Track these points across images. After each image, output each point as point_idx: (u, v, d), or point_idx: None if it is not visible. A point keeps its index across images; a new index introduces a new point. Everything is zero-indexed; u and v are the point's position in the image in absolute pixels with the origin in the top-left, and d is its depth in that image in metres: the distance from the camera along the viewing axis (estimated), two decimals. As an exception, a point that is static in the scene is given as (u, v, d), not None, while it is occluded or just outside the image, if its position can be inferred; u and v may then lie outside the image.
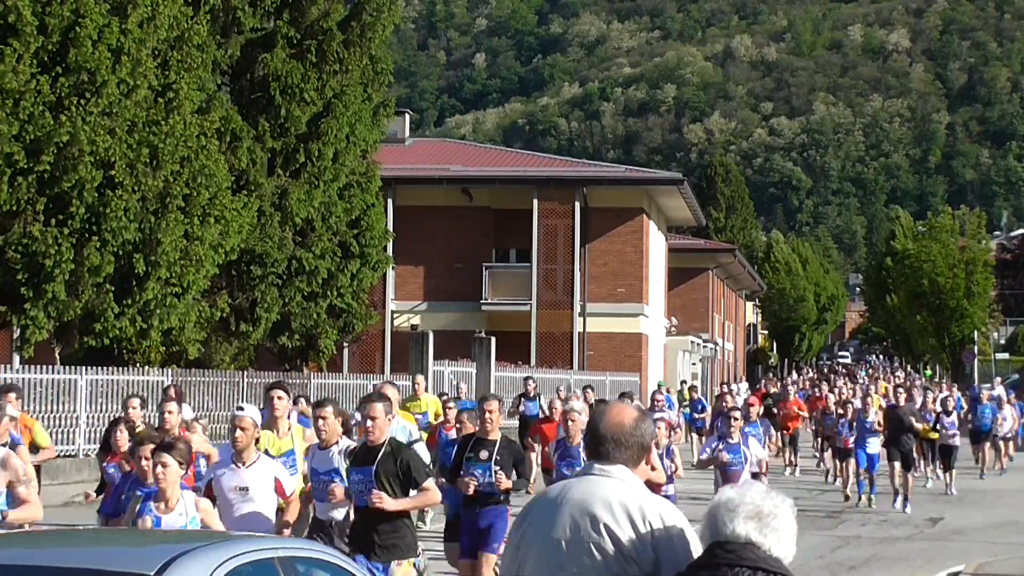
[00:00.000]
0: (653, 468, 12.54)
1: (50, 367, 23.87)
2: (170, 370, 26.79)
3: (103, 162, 22.80)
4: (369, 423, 10.06)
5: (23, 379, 22.94)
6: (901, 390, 25.45)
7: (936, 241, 73.38)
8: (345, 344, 36.33)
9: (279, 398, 12.07)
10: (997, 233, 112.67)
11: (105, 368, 24.84)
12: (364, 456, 10.05)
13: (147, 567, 5.55)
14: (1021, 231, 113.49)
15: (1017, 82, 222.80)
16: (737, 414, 16.09)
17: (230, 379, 28.29)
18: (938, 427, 27.47)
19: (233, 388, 28.22)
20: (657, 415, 21.75)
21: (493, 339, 36.05)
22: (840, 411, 26.61)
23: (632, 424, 4.64)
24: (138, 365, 26.44)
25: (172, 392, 16.63)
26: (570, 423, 13.55)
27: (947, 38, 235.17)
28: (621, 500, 4.46)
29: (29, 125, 21.72)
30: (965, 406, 35.12)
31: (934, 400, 30.18)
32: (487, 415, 12.41)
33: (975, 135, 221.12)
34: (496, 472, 12.05)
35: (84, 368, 24.37)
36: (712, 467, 15.92)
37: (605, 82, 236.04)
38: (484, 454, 12.16)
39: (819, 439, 32.51)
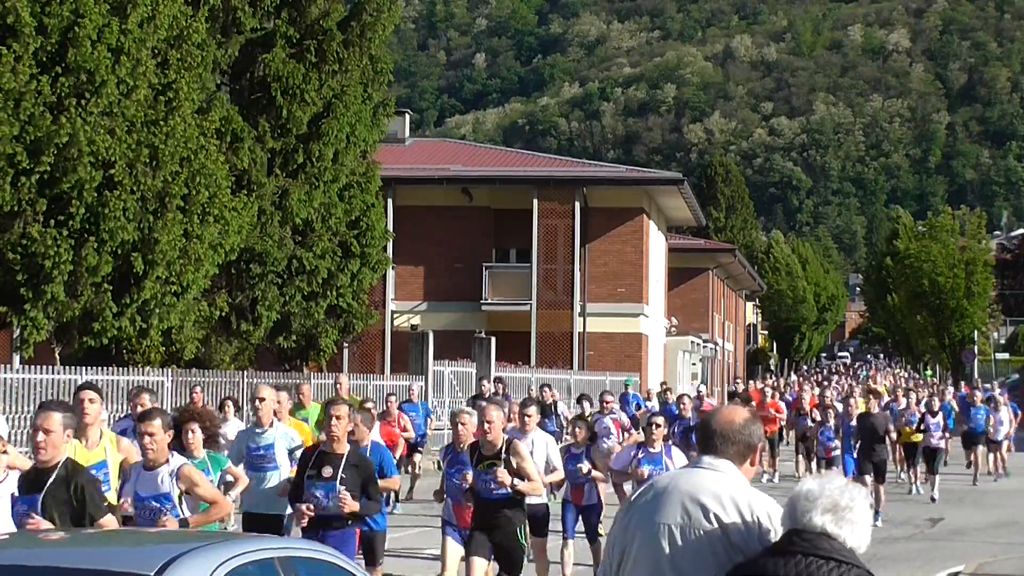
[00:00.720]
0: (528, 479, 11.50)
1: (50, 367, 23.85)
2: (170, 370, 26.79)
3: (103, 162, 22.80)
4: (41, 437, 8.14)
5: (23, 379, 22.94)
6: (873, 396, 23.25)
7: (936, 241, 73.39)
8: (345, 344, 36.35)
9: (90, 401, 10.25)
10: (997, 233, 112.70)
11: (105, 368, 24.82)
12: (34, 481, 8.27)
13: (147, 567, 5.54)
14: (1021, 231, 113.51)
15: (1017, 82, 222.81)
16: (660, 420, 14.16)
17: (230, 379, 28.28)
18: (922, 428, 26.22)
19: (233, 388, 28.20)
20: (607, 418, 20.51)
21: (493, 339, 36.06)
22: (819, 416, 24.68)
23: (741, 423, 4.99)
24: (138, 365, 26.45)
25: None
26: (460, 427, 11.81)
27: (947, 38, 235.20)
28: (731, 494, 4.79)
29: (29, 126, 21.72)
30: (956, 407, 33.20)
31: (918, 402, 28.35)
32: (333, 423, 10.25)
33: (975, 135, 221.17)
34: (340, 494, 10.12)
35: (84, 368, 24.35)
36: (631, 481, 13.63)
37: (605, 82, 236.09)
38: (328, 471, 10.18)
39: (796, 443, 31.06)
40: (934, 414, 26.40)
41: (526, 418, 13.34)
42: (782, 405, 32.54)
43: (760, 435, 5.09)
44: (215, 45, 27.64)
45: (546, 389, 27.15)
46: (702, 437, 5.04)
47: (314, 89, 29.85)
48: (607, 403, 21.36)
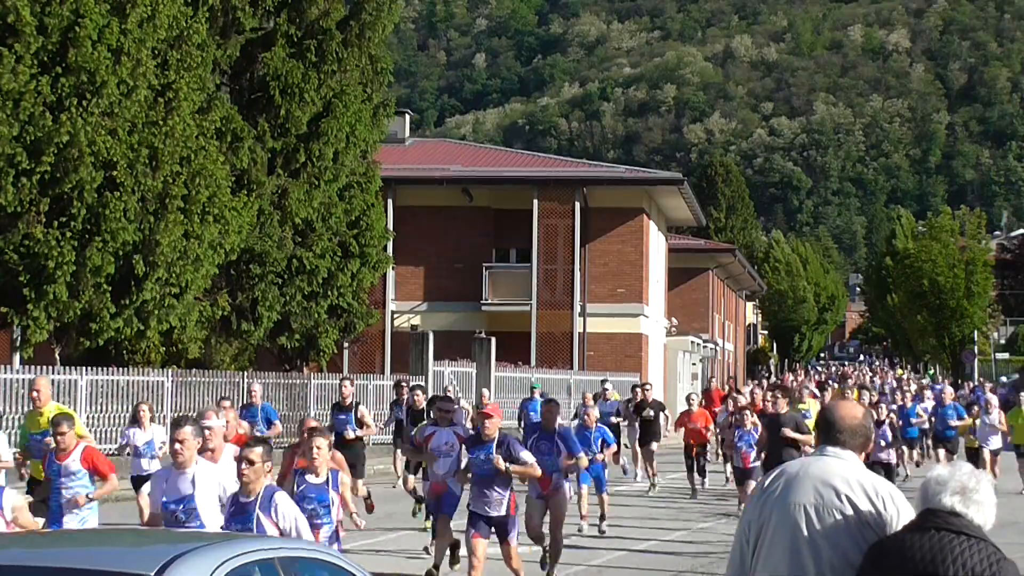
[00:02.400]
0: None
1: (50, 367, 23.86)
2: (170, 370, 26.79)
3: (103, 163, 22.81)
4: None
5: (23, 379, 22.94)
6: (778, 394, 18.30)
7: (936, 241, 73.40)
8: (345, 344, 36.33)
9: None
10: (997, 233, 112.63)
11: (105, 368, 24.84)
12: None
13: (147, 567, 5.54)
14: (1021, 231, 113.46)
15: (1017, 82, 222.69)
16: (321, 443, 10.56)
17: (230, 379, 28.29)
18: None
19: (233, 388, 28.22)
20: (447, 430, 14.55)
21: (493, 339, 36.06)
22: (736, 418, 20.93)
23: (862, 418, 5.64)
24: (138, 365, 26.45)
25: None
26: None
27: (947, 38, 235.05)
28: (857, 478, 5.40)
29: (30, 126, 21.73)
30: (921, 411, 28.39)
31: (871, 403, 23.56)
32: None
33: (975, 135, 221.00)
34: None
35: (84, 368, 24.38)
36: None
37: (605, 82, 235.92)
38: None
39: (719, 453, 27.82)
40: (879, 424, 21.71)
41: (176, 445, 9.53)
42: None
43: (873, 428, 5.78)
44: (215, 45, 27.64)
45: (417, 392, 21.18)
46: (826, 429, 5.60)
47: (314, 88, 29.85)
48: (446, 413, 14.85)
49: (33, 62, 21.95)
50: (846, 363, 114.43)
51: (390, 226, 37.73)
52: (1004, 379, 44.58)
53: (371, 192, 32.63)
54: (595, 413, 20.48)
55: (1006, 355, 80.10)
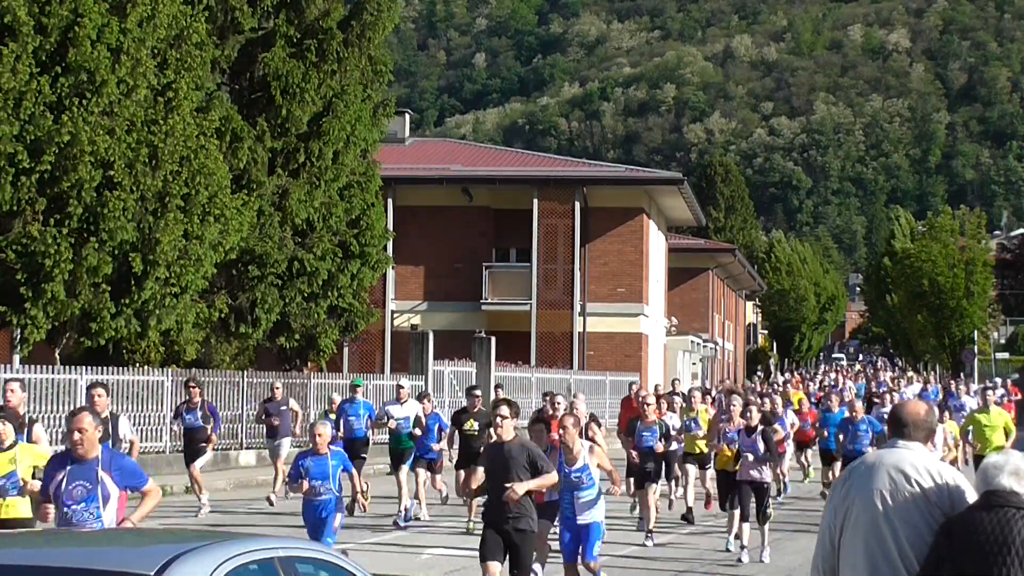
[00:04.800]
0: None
1: (50, 367, 23.86)
2: (170, 370, 26.79)
3: (103, 162, 22.80)
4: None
5: (23, 379, 22.91)
6: (501, 411, 11.92)
7: (936, 241, 73.41)
8: (345, 344, 36.32)
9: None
10: (997, 233, 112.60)
11: (105, 368, 24.83)
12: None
13: (147, 567, 5.54)
14: (1021, 231, 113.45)
15: (1017, 82, 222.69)
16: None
17: (230, 379, 28.30)
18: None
19: (233, 388, 28.23)
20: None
21: (493, 339, 36.06)
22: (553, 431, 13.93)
23: (926, 413, 6.45)
24: (138, 365, 26.44)
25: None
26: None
27: (947, 38, 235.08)
28: (924, 464, 6.18)
29: (30, 125, 21.73)
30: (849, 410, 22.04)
31: (756, 411, 17.30)
32: None
33: (975, 135, 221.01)
34: None
35: (84, 368, 24.37)
36: None
37: (605, 82, 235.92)
38: None
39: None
40: (750, 431, 16.67)
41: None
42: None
43: (937, 421, 6.74)
44: (214, 44, 27.62)
45: (191, 384, 18.26)
46: (895, 424, 6.39)
47: (314, 88, 29.84)
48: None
49: (32, 61, 21.95)
50: (844, 363, 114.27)
51: (390, 226, 37.73)
52: (966, 385, 42.66)
53: (371, 192, 32.63)
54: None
55: (1006, 355, 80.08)
